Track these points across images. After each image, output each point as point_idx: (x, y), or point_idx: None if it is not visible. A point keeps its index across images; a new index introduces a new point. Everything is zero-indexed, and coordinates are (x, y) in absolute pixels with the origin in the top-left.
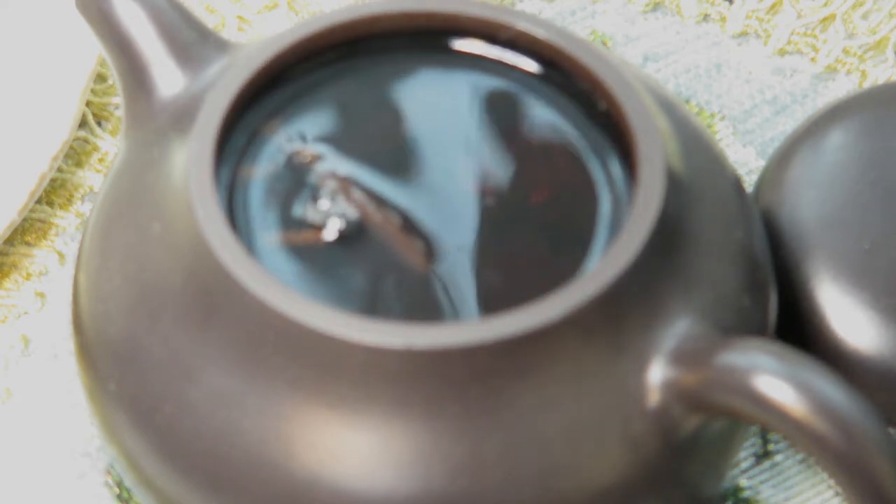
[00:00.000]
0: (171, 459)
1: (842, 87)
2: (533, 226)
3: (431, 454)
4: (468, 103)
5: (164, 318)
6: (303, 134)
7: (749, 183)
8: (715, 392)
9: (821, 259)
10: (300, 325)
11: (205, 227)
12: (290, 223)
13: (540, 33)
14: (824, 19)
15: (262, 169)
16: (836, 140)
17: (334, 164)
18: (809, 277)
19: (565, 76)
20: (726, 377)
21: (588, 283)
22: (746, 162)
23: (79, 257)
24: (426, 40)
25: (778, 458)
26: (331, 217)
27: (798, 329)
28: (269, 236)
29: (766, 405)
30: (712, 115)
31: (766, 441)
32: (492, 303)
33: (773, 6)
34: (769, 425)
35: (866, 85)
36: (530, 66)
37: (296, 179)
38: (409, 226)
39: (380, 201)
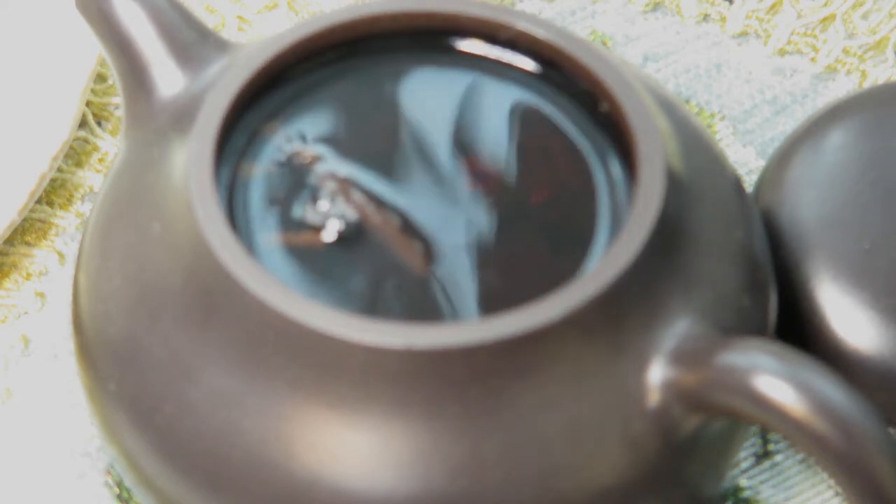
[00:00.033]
0: (171, 459)
1: (842, 87)
2: (533, 226)
3: (431, 454)
4: (468, 103)
5: (164, 318)
6: (303, 134)
7: (749, 183)
8: (715, 392)
9: (821, 259)
10: (300, 325)
11: (205, 227)
12: (289, 224)
13: (540, 33)
14: (824, 19)
15: (262, 169)
16: (836, 140)
17: (334, 164)
18: (809, 277)
19: (565, 76)
20: (726, 377)
21: (588, 283)
22: (746, 162)
23: (79, 257)
24: (426, 40)
25: (778, 458)
26: (330, 218)
27: (798, 329)
28: (268, 236)
29: (766, 405)
30: (712, 115)
31: (766, 441)
32: (492, 303)
33: (773, 6)
34: (769, 425)
35: (866, 85)
36: (530, 66)
37: (295, 180)
38: (409, 227)
39: (379, 202)
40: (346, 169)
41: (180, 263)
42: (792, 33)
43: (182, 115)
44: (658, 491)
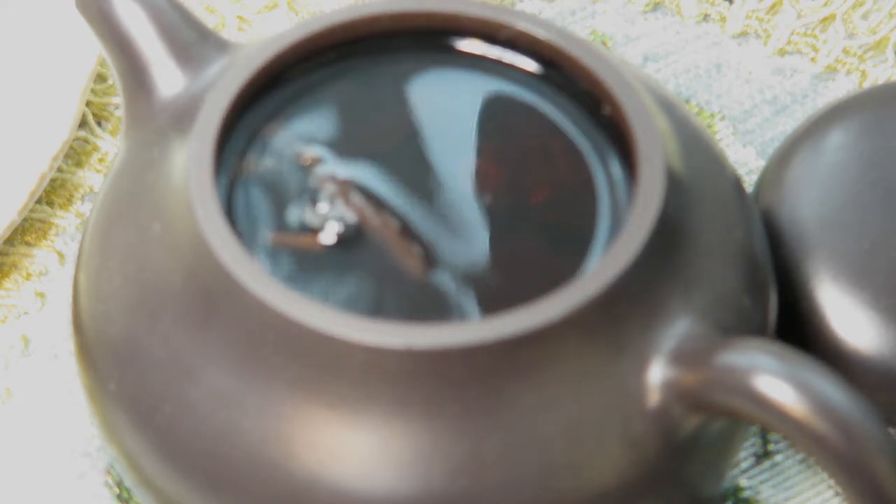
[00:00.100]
0: (171, 459)
1: (842, 87)
2: (533, 226)
3: (431, 454)
4: (468, 103)
5: (164, 318)
6: (302, 134)
7: (749, 183)
8: (715, 392)
9: (821, 259)
10: (300, 325)
11: (205, 227)
12: (289, 225)
13: (540, 33)
14: (824, 19)
15: (262, 169)
16: (836, 140)
17: (334, 165)
18: (809, 277)
19: (565, 76)
20: (726, 377)
21: (588, 283)
22: (746, 162)
23: (79, 257)
24: (426, 40)
25: (778, 458)
26: (329, 221)
27: (798, 329)
28: (268, 237)
29: (766, 405)
30: (712, 115)
31: (766, 441)
32: (492, 303)
33: (773, 6)
34: (769, 425)
35: (866, 85)
36: (530, 66)
37: (295, 180)
38: (408, 230)
39: (379, 205)
40: (345, 170)
41: (180, 263)
42: (792, 33)
43: (182, 115)
44: (658, 491)
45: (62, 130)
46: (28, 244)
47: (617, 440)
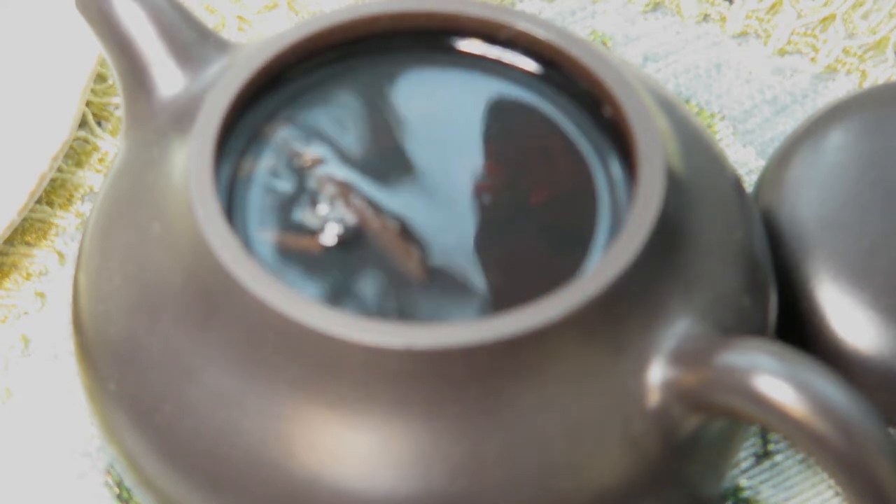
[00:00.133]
0: (171, 459)
1: (842, 87)
2: (533, 226)
3: (431, 454)
4: (468, 103)
5: (164, 318)
6: (302, 134)
7: (749, 183)
8: (715, 392)
9: (821, 259)
10: (300, 325)
11: (205, 227)
12: (289, 225)
13: (540, 33)
14: (824, 19)
15: (262, 169)
16: (836, 140)
17: (333, 166)
18: (809, 277)
19: (565, 76)
20: (726, 377)
21: (588, 283)
22: (746, 162)
23: (79, 257)
24: (426, 40)
25: (778, 458)
26: (329, 222)
27: (798, 329)
28: (268, 237)
29: (766, 405)
30: (712, 115)
31: (766, 441)
32: (492, 303)
33: (773, 6)
34: (769, 425)
35: (866, 85)
36: (530, 66)
37: (295, 180)
38: (408, 231)
39: (378, 206)
40: (345, 171)
41: (180, 263)
42: (792, 33)
43: (182, 115)
44: (658, 491)
45: (62, 130)
46: (28, 244)
47: (617, 440)
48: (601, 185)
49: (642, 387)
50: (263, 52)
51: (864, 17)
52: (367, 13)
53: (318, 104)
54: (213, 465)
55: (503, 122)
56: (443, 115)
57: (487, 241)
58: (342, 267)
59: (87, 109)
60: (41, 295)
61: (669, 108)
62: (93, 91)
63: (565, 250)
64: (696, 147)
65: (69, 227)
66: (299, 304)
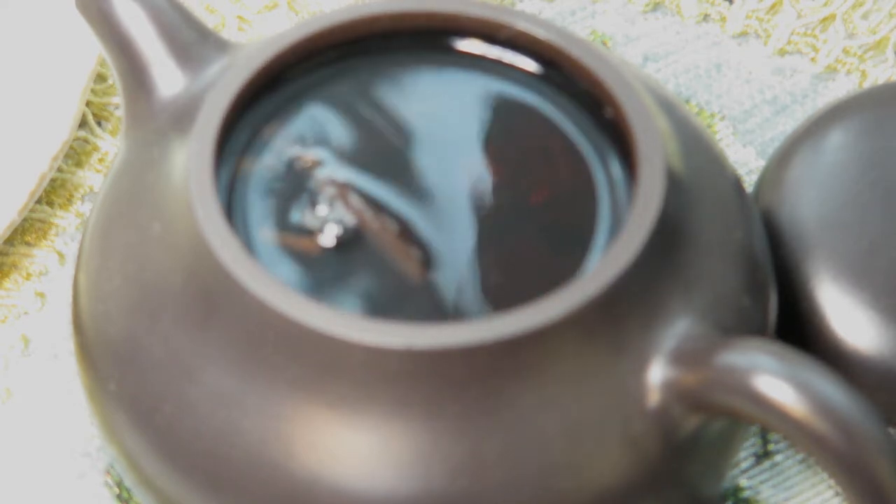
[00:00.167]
0: (171, 459)
1: (842, 87)
2: (533, 226)
3: (431, 454)
4: (468, 103)
5: (164, 318)
6: (303, 134)
7: (749, 183)
8: (715, 392)
9: (821, 259)
10: (300, 325)
11: (205, 227)
12: (289, 226)
13: (540, 33)
14: (824, 19)
15: (262, 169)
16: (836, 140)
17: (333, 166)
18: (809, 277)
19: (565, 76)
20: (726, 377)
21: (588, 283)
22: (746, 162)
23: (79, 257)
24: (426, 40)
25: (778, 458)
26: (329, 223)
27: (798, 329)
28: (268, 237)
29: (766, 405)
30: (712, 115)
31: (766, 441)
32: (492, 303)
33: (773, 6)
34: (769, 425)
35: (866, 85)
36: (530, 66)
37: (295, 180)
38: (408, 231)
39: (378, 207)
40: (345, 171)
41: (180, 263)
42: (792, 33)
43: (182, 115)
44: (658, 491)
45: (62, 130)
46: (28, 244)
47: (617, 440)
48: (601, 185)
49: (642, 387)
50: (263, 52)
51: (864, 17)
52: (367, 13)
53: (318, 104)
54: (213, 465)
55: (503, 123)
56: (443, 115)
57: (487, 241)
58: (342, 267)
59: (87, 109)
60: (41, 295)
61: (669, 108)
62: (93, 91)
63: (565, 250)
64: (696, 147)
65: (69, 227)
66: (299, 304)
